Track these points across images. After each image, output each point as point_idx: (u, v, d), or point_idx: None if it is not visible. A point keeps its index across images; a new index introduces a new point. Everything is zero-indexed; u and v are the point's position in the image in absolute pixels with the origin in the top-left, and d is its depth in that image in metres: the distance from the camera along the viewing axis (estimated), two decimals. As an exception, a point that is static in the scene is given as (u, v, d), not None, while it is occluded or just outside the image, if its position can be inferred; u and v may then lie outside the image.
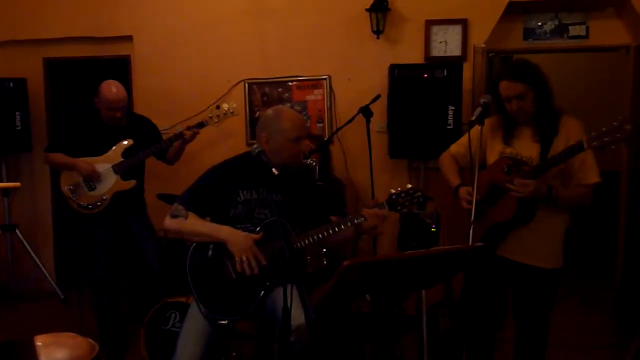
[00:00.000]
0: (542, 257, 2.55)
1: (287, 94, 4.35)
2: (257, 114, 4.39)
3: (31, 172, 4.79)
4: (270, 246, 2.34)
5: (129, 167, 3.50)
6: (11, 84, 4.43)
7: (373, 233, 2.49)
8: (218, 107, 3.64)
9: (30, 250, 4.57)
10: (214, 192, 2.41)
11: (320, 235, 2.34)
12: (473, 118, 2.46)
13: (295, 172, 2.51)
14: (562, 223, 2.59)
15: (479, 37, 4.05)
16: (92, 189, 3.49)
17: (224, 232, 2.32)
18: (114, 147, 3.51)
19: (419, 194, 2.38)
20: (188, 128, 3.56)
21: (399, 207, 2.36)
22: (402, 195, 2.36)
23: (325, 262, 3.34)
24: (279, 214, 2.39)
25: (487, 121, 2.62)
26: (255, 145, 2.32)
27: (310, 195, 2.58)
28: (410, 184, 3.94)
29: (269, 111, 2.48)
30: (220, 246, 2.31)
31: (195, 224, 2.35)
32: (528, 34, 4.25)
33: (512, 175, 2.47)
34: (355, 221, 2.35)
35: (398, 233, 3.88)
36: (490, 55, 4.19)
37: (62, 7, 4.54)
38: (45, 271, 4.63)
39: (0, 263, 4.71)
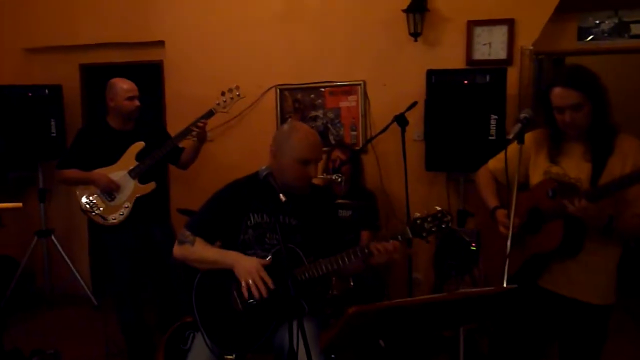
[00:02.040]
0: (592, 293, 2.24)
1: (319, 101, 4.15)
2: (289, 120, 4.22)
3: (67, 178, 4.81)
4: (281, 275, 2.14)
5: (145, 170, 3.39)
6: (47, 91, 4.44)
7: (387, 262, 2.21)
8: (223, 93, 3.49)
9: (65, 255, 4.60)
10: (222, 216, 2.25)
11: (329, 267, 2.12)
12: (510, 136, 2.18)
13: (313, 192, 2.32)
14: (616, 255, 2.27)
15: (527, 38, 3.72)
16: (112, 199, 3.40)
17: (231, 257, 2.16)
18: (126, 153, 3.40)
19: (448, 218, 2.07)
20: (196, 120, 3.41)
21: (424, 234, 2.07)
22: (428, 219, 2.06)
23: (352, 284, 3.14)
24: (291, 239, 2.22)
25: (531, 134, 2.35)
26: (263, 167, 2.13)
27: (328, 218, 2.37)
28: (448, 196, 3.74)
29: (286, 125, 2.29)
30: (228, 275, 2.14)
31: (202, 251, 2.20)
32: (583, 33, 3.89)
33: (557, 200, 2.18)
34: (359, 254, 2.10)
35: (434, 251, 3.65)
36: (540, 57, 3.85)
37: (97, 13, 4.53)
38: (79, 277, 4.64)
39: (37, 268, 4.76)
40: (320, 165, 3.72)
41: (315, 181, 3.64)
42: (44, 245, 4.69)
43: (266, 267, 2.11)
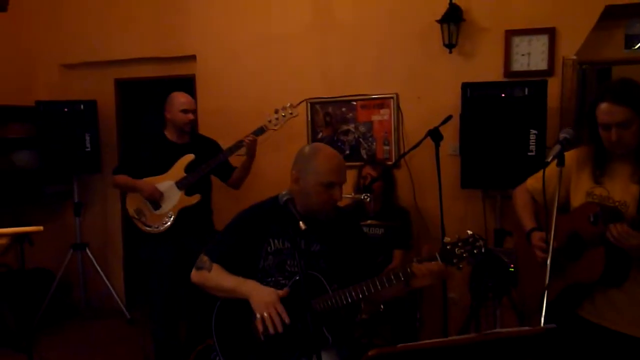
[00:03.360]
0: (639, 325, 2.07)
1: (351, 114, 4.06)
2: (320, 135, 4.13)
3: (102, 192, 4.87)
4: (304, 303, 2.03)
5: (192, 182, 3.40)
6: (82, 106, 4.50)
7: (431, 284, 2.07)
8: (277, 110, 3.46)
9: (99, 269, 4.64)
10: (241, 242, 2.17)
11: (359, 294, 2.01)
12: (549, 159, 2.03)
13: (338, 215, 2.22)
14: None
15: (570, 47, 3.53)
16: (157, 207, 3.43)
17: (248, 287, 2.06)
18: (176, 164, 3.42)
19: (481, 243, 1.92)
20: (246, 136, 3.40)
21: (455, 261, 1.93)
22: (459, 245, 1.92)
23: (382, 308, 3.02)
24: (314, 265, 2.12)
25: (573, 152, 2.19)
26: (284, 192, 2.05)
27: (355, 242, 2.25)
28: (484, 214, 3.57)
29: (307, 147, 2.19)
30: (247, 304, 2.06)
31: (219, 278, 2.13)
32: (630, 41, 3.67)
33: (599, 226, 2.01)
34: (401, 277, 1.97)
35: (471, 270, 3.48)
36: (583, 67, 3.65)
37: (131, 29, 4.57)
38: (113, 290, 4.67)
39: (72, 281, 4.82)
40: (351, 182, 3.65)
41: (344, 201, 3.57)
42: (79, 259, 4.74)
43: (286, 297, 2.02)
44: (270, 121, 3.44)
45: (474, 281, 3.45)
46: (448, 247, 1.92)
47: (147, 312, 3.65)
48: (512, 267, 3.16)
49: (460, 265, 1.95)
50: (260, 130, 3.42)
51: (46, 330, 4.37)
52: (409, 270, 1.94)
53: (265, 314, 1.96)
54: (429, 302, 3.74)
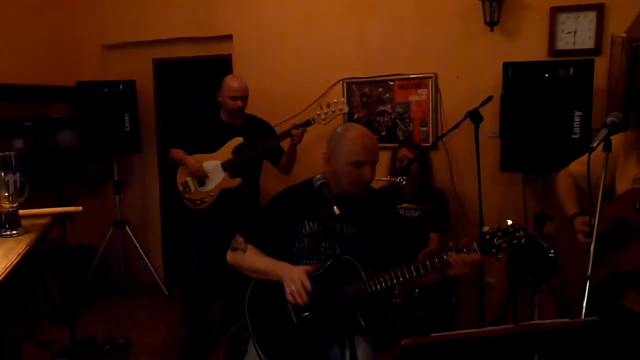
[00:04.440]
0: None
1: (388, 95, 3.98)
2: (356, 116, 4.09)
3: (141, 171, 4.96)
4: (338, 287, 2.01)
5: (237, 165, 3.45)
6: (121, 86, 4.56)
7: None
8: (328, 104, 3.43)
9: (138, 246, 4.75)
10: (276, 223, 2.17)
11: (394, 280, 1.98)
12: (595, 143, 1.94)
13: (372, 197, 2.18)
14: None
15: (619, 24, 3.35)
16: (202, 184, 3.51)
17: (281, 268, 2.04)
18: (225, 145, 3.48)
19: (521, 233, 1.87)
20: (295, 126, 3.42)
21: (493, 251, 1.88)
22: (499, 235, 1.87)
23: (417, 292, 2.99)
24: (349, 249, 2.10)
25: (620, 136, 2.10)
26: (318, 175, 2.02)
27: (390, 225, 2.21)
28: (524, 198, 3.47)
29: (339, 128, 2.17)
30: (281, 287, 2.05)
31: (253, 259, 2.13)
32: (686, 17, 3.45)
33: (646, 214, 1.93)
34: (438, 266, 1.94)
35: (508, 257, 3.40)
36: (634, 45, 3.46)
37: (169, 8, 4.59)
38: (152, 267, 4.78)
39: (112, 258, 4.95)
40: (386, 164, 3.60)
41: (378, 183, 3.53)
42: (119, 236, 4.86)
43: (320, 282, 2.00)
44: (319, 115, 3.42)
45: (512, 266, 3.37)
46: (487, 236, 1.88)
47: (183, 286, 3.73)
48: (552, 253, 3.06)
49: (499, 256, 1.90)
50: (307, 123, 3.41)
51: (87, 305, 4.52)
52: (445, 258, 1.90)
53: (293, 287, 1.96)
54: (466, 286, 3.68)
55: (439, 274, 1.98)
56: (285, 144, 3.54)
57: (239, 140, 3.47)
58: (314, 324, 2.03)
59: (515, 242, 1.87)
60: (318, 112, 3.42)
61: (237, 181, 3.48)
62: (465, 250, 1.89)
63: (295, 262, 2.12)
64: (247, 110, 3.88)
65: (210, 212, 3.50)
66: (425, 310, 3.29)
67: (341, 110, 3.43)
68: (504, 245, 1.87)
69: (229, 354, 3.09)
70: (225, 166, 3.47)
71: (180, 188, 3.57)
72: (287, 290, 1.98)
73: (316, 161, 3.95)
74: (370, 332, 2.08)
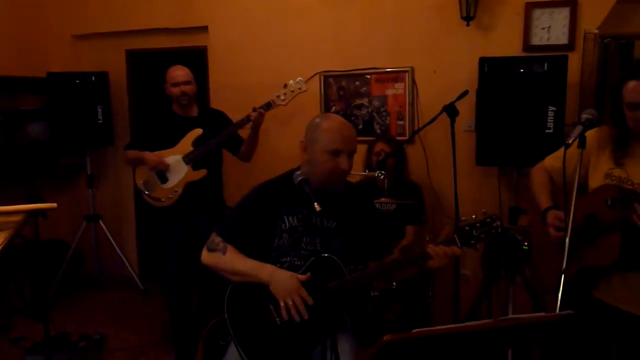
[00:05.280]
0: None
1: (365, 88, 3.99)
2: (333, 109, 4.08)
3: (114, 164, 4.88)
4: (320, 286, 2.00)
5: (199, 157, 3.39)
6: (93, 78, 4.47)
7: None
8: (285, 85, 3.40)
9: (112, 240, 4.68)
10: (255, 220, 2.12)
11: (376, 276, 2.00)
12: (570, 140, 1.98)
13: (350, 190, 2.17)
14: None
15: (592, 20, 3.42)
16: (164, 181, 3.44)
17: (266, 271, 2.01)
18: (184, 138, 3.42)
19: (498, 223, 1.92)
20: (254, 109, 3.36)
21: (472, 242, 1.92)
22: (477, 226, 1.91)
23: (394, 285, 3.02)
24: (330, 244, 2.09)
25: (593, 132, 2.13)
26: (298, 171, 2.01)
27: (369, 218, 2.21)
28: (499, 191, 3.52)
29: (317, 116, 2.15)
30: (263, 287, 2.03)
31: (233, 261, 2.07)
32: (655, 14, 3.53)
33: (616, 209, 1.98)
34: (419, 260, 1.94)
35: (483, 250, 3.46)
36: (605, 41, 3.53)
37: (143, -1, 4.50)
38: (126, 261, 4.72)
39: (86, 252, 4.87)
40: (362, 158, 3.61)
41: (356, 178, 3.54)
42: (92, 230, 4.78)
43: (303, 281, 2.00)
44: (278, 96, 3.38)
45: (487, 258, 3.44)
46: (466, 228, 1.90)
47: (161, 283, 3.69)
48: (525, 246, 3.13)
49: (477, 247, 1.94)
50: (268, 105, 3.36)
51: (61, 301, 4.44)
52: (425, 252, 1.92)
53: (289, 302, 1.93)
54: (441, 278, 3.73)
55: (418, 266, 1.98)
56: (244, 132, 3.48)
57: (198, 131, 3.40)
58: (298, 324, 1.99)
59: (493, 232, 1.91)
60: (277, 94, 3.38)
61: (202, 172, 3.41)
62: (445, 243, 1.91)
63: (275, 260, 2.10)
64: (223, 103, 3.84)
65: (178, 208, 3.44)
66: (402, 302, 3.32)
67: (300, 89, 3.39)
68: (482, 236, 1.90)
69: (207, 348, 3.09)
70: (187, 159, 3.39)
71: (142, 188, 3.48)
72: (282, 303, 1.95)
73: (278, 146, 3.99)
74: (354, 328, 2.08)
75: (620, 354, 2.19)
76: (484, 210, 1.94)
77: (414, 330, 1.41)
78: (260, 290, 2.01)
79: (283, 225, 2.11)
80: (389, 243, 2.30)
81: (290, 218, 2.12)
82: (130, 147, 3.55)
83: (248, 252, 2.11)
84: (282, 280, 1.97)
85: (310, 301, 1.95)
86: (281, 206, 2.12)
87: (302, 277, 1.99)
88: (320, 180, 2.04)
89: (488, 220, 1.90)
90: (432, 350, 1.45)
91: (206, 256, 2.14)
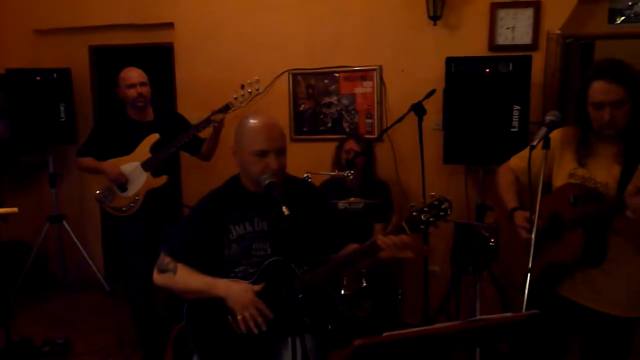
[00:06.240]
0: (616, 304, 2.11)
1: (333, 86, 3.99)
2: (301, 107, 4.07)
3: (78, 163, 4.76)
4: (276, 292, 1.98)
5: (158, 163, 3.32)
6: (55, 75, 4.35)
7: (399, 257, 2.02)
8: (242, 86, 3.35)
9: (77, 241, 4.58)
10: (202, 234, 2.06)
11: (331, 276, 1.97)
12: (535, 142, 2.02)
13: (292, 187, 2.12)
14: (644, 265, 2.13)
15: (554, 21, 3.49)
16: (123, 190, 3.35)
17: (220, 287, 1.97)
18: (141, 144, 3.33)
19: (446, 205, 1.85)
20: (213, 112, 3.31)
21: (422, 227, 1.85)
22: (425, 210, 1.84)
23: (364, 283, 3.04)
24: (281, 247, 2.04)
25: (558, 132, 2.18)
26: (265, 176, 1.96)
27: (319, 213, 2.15)
28: (466, 189, 3.56)
29: (243, 119, 2.06)
30: (220, 301, 1.98)
31: (186, 280, 2.01)
32: (614, 15, 3.63)
33: (579, 207, 2.03)
34: (369, 254, 1.90)
35: (451, 247, 3.52)
36: (568, 41, 3.62)
37: (106, -7, 4.40)
38: (91, 263, 4.62)
39: (50, 254, 4.76)
40: (331, 156, 3.62)
41: (324, 177, 3.53)
42: (56, 231, 4.66)
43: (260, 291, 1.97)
44: (236, 98, 3.33)
45: (455, 254, 3.49)
46: (414, 213, 1.85)
47: (124, 287, 3.62)
48: (492, 242, 3.19)
49: (428, 230, 1.88)
50: (226, 108, 3.30)
51: (24, 304, 4.33)
52: (375, 244, 1.87)
53: (246, 315, 1.91)
54: (411, 275, 3.78)
55: (372, 259, 1.94)
56: (205, 132, 3.42)
57: (155, 137, 3.31)
58: (260, 331, 1.96)
59: (441, 214, 1.85)
60: (235, 96, 3.34)
61: (162, 179, 3.34)
62: (393, 232, 1.86)
63: (228, 271, 2.06)
64: (190, 100, 3.78)
65: (140, 213, 3.37)
66: (372, 300, 3.35)
67: (257, 90, 3.37)
68: (431, 220, 1.84)
69: (176, 353, 3.05)
70: (146, 166, 3.31)
71: (100, 197, 3.38)
72: (240, 317, 1.92)
73: (229, 143, 3.92)
74: (315, 329, 2.07)
75: (584, 349, 2.25)
76: (431, 194, 1.89)
77: (384, 334, 1.42)
78: (218, 302, 1.98)
79: (230, 235, 2.06)
80: (347, 234, 2.23)
81: (237, 226, 2.07)
82: (83, 154, 3.42)
83: (200, 266, 2.06)
84: (237, 294, 1.94)
85: (268, 312, 1.93)
86: (227, 216, 2.07)
87: (256, 287, 1.96)
88: (257, 183, 1.98)
89: (436, 202, 1.84)
90: (403, 353, 1.47)
91: (157, 278, 2.09)
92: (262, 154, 1.95)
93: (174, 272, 2.03)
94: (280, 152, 1.99)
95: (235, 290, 1.96)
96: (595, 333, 2.19)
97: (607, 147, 2.10)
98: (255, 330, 1.92)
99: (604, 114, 2.00)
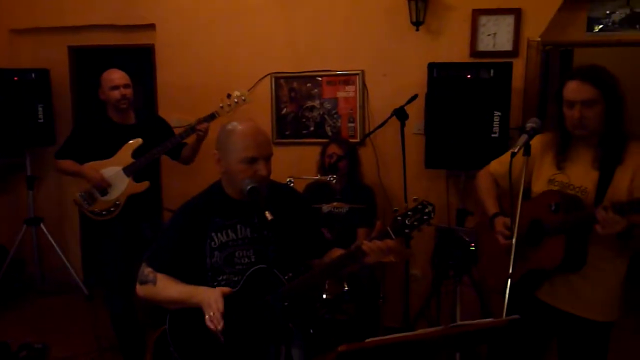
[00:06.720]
0: (595, 308, 2.15)
1: (316, 90, 3.99)
2: (284, 111, 4.07)
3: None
4: (261, 300, 1.97)
5: (140, 168, 3.28)
6: (33, 75, 4.28)
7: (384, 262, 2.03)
8: (229, 95, 3.33)
9: (55, 245, 4.51)
10: (183, 243, 2.03)
11: (316, 282, 1.98)
12: (516, 149, 2.05)
13: (275, 193, 2.09)
14: (622, 267, 2.16)
15: (535, 29, 3.55)
16: (104, 194, 3.30)
17: (198, 295, 1.93)
18: (123, 148, 3.28)
19: (429, 209, 1.85)
20: (198, 121, 3.28)
21: (407, 231, 1.85)
22: (409, 214, 1.84)
23: (346, 287, 3.04)
24: (265, 254, 2.02)
25: (538, 137, 2.21)
26: (247, 181, 1.94)
27: (302, 218, 2.15)
28: (447, 193, 3.59)
29: (225, 126, 2.03)
30: (201, 310, 1.94)
31: (166, 290, 1.99)
32: (593, 24, 3.71)
33: (559, 215, 2.06)
34: (354, 260, 1.90)
35: (432, 251, 3.55)
36: (547, 48, 3.68)
37: (86, -8, 4.34)
38: (69, 266, 4.55)
39: (27, 257, 4.67)
40: (314, 160, 3.62)
41: (307, 182, 3.53)
42: (33, 234, 4.58)
43: (243, 294, 1.95)
44: (222, 107, 3.31)
45: (435, 258, 3.52)
46: (399, 218, 1.85)
47: (103, 290, 3.57)
48: (472, 246, 3.22)
49: (413, 234, 1.90)
50: (212, 117, 3.29)
51: (0, 308, 4.24)
52: (360, 249, 1.87)
53: (210, 313, 1.87)
54: (392, 278, 3.80)
55: (358, 264, 1.94)
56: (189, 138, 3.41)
57: (138, 141, 3.27)
58: (244, 339, 1.95)
59: (425, 217, 1.85)
60: (221, 105, 3.32)
61: (144, 185, 3.31)
62: (378, 237, 1.86)
63: (211, 278, 2.03)
64: (171, 103, 3.75)
65: (120, 218, 3.33)
66: (354, 303, 3.35)
67: (244, 100, 3.34)
68: (415, 224, 1.84)
69: (157, 357, 3.02)
70: (127, 171, 3.27)
71: (80, 200, 3.31)
72: (207, 316, 1.89)
73: (210, 146, 3.89)
74: (301, 336, 2.08)
75: (562, 353, 2.29)
76: (414, 198, 1.90)
77: (367, 340, 1.42)
78: (200, 309, 1.94)
79: (212, 243, 2.04)
80: (339, 244, 2.24)
81: (219, 234, 2.04)
82: (62, 156, 3.36)
83: (182, 275, 2.04)
84: (206, 296, 1.91)
85: (220, 306, 1.87)
86: (208, 224, 2.05)
87: (225, 289, 1.93)
88: (241, 190, 1.96)
89: (419, 206, 1.85)
90: (387, 358, 1.47)
91: (139, 289, 2.06)
92: (252, 160, 1.93)
93: (154, 282, 2.01)
94: (269, 158, 1.98)
95: (207, 292, 1.92)
96: (573, 337, 2.23)
97: (584, 152, 2.14)
98: (212, 328, 1.85)
99: (574, 112, 2.05)
